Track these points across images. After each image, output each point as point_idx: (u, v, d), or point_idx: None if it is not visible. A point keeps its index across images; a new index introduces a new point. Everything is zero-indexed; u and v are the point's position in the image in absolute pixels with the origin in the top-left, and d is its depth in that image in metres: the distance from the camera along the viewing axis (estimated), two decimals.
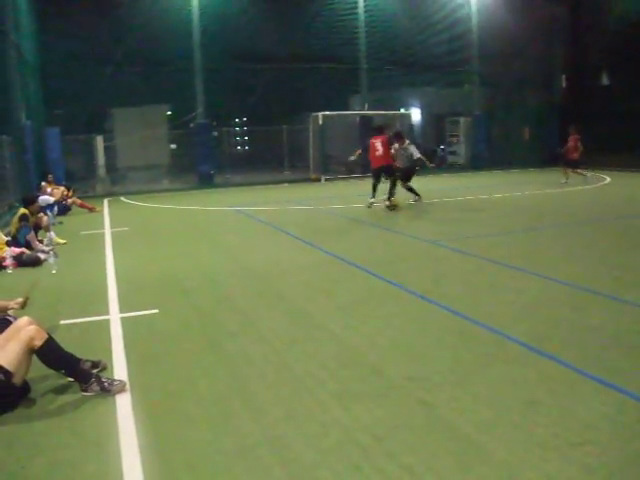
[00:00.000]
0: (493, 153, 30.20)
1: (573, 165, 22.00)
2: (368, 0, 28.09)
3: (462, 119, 31.24)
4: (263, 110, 31.16)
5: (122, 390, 5.06)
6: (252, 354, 5.88)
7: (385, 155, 16.43)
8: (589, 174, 22.14)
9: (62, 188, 18.34)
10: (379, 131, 17.11)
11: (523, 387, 5.00)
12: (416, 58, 30.28)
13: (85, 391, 5.04)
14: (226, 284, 8.77)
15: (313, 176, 25.94)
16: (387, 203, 16.14)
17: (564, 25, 32.96)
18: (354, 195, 19.87)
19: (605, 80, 33.99)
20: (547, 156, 29.72)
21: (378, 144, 16.42)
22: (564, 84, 34.07)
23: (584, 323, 6.55)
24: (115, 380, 5.15)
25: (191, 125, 26.00)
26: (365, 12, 28.04)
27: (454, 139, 31.72)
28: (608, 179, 23.14)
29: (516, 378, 5.17)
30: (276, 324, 6.78)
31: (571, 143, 21.85)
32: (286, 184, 24.95)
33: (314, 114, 26.33)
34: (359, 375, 5.30)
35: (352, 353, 5.85)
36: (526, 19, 29.58)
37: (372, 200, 16.52)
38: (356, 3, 27.92)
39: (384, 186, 16.50)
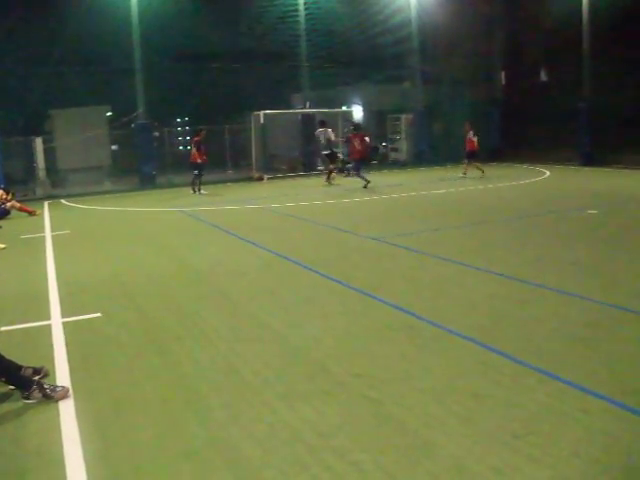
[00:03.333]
0: (434, 149, 30.49)
1: (471, 157, 23.28)
2: None
3: (403, 116, 31.46)
4: (205, 110, 30.90)
5: (65, 396, 4.97)
6: (197, 356, 5.85)
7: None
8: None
9: (0, 192, 17.89)
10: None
11: (468, 380, 5.08)
12: (357, 55, 30.41)
13: (27, 398, 4.94)
14: (170, 286, 8.68)
15: (256, 175, 25.83)
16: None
17: (503, 22, 33.51)
18: (296, 193, 19.89)
19: (543, 76, 34.67)
20: (487, 152, 30.18)
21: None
22: (503, 81, 34.64)
23: (527, 315, 6.69)
24: (58, 386, 5.06)
25: (132, 126, 25.62)
26: (305, 10, 28.01)
27: (396, 136, 31.94)
28: (547, 173, 23.61)
29: (461, 372, 5.25)
30: (221, 325, 6.75)
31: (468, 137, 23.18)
32: (229, 183, 24.80)
33: (255, 113, 26.22)
34: (305, 374, 5.32)
35: (298, 352, 5.86)
36: (465, 16, 29.99)
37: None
38: (297, 1, 27.89)
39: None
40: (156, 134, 27.72)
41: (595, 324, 6.38)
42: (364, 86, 34.19)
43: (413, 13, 30.07)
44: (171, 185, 24.68)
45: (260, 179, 25.44)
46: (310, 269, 9.15)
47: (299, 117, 28.66)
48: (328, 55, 28.86)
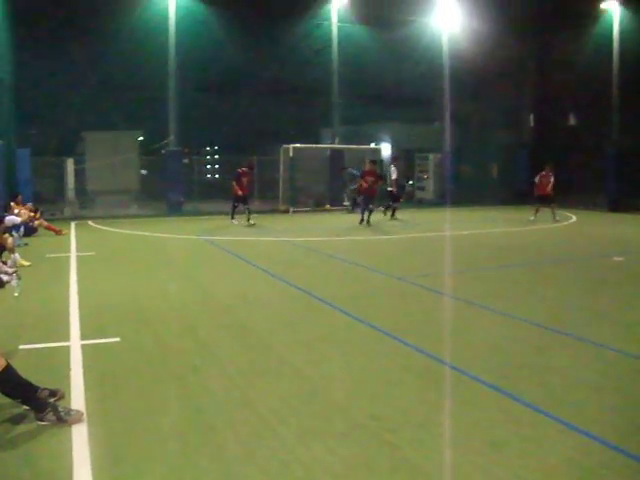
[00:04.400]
0: (462, 189, 30.47)
1: (547, 201, 22.24)
2: (342, 35, 28.37)
3: (431, 155, 31.56)
4: (235, 140, 31.25)
5: (79, 420, 4.94)
6: (214, 388, 5.79)
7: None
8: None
9: (29, 209, 18.07)
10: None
11: (487, 428, 4.97)
12: (387, 93, 30.62)
13: (41, 420, 4.92)
14: (190, 314, 8.66)
15: (282, 207, 25.95)
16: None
17: (533, 65, 33.66)
18: (321, 228, 19.91)
19: (572, 120, 34.70)
20: (515, 194, 30.12)
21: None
22: (532, 123, 34.66)
23: (549, 363, 6.57)
24: (72, 410, 5.04)
25: (163, 152, 25.90)
26: (339, 46, 28.32)
27: (423, 175, 32.01)
28: (574, 218, 23.46)
29: (480, 418, 5.15)
30: (239, 358, 6.70)
31: (544, 180, 22.10)
32: (255, 214, 24.90)
33: (285, 146, 26.43)
34: (322, 413, 5.24)
35: (316, 390, 5.79)
36: (496, 58, 30.14)
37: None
38: (330, 37, 28.21)
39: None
40: (185, 161, 28.00)
41: (616, 375, 6.26)
42: (393, 124, 34.40)
43: (445, 53, 30.27)
44: (198, 213, 24.86)
45: (286, 212, 25.55)
46: (332, 305, 9.09)
47: (327, 152, 28.82)
48: (359, 91, 29.08)
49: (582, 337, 7.48)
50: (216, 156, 39.46)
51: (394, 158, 21.81)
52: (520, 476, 4.19)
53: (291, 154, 26.27)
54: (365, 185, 20.54)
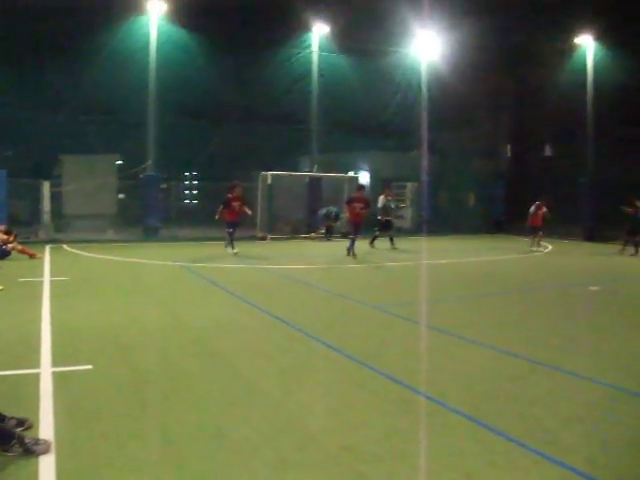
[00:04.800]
0: (439, 218, 30.63)
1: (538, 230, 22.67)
2: (322, 64, 28.59)
3: (409, 184, 31.74)
4: (214, 166, 31.21)
5: (47, 451, 4.83)
6: (187, 417, 5.70)
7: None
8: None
9: (3, 231, 17.88)
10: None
11: (462, 459, 4.95)
12: (366, 122, 30.83)
13: (7, 451, 4.79)
14: (164, 342, 8.55)
15: (259, 234, 25.91)
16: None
17: (510, 97, 34.12)
18: (298, 255, 19.88)
19: (548, 151, 35.18)
20: (491, 223, 30.35)
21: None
22: (509, 154, 35.05)
23: (524, 393, 6.57)
24: (40, 440, 4.93)
25: (141, 176, 25.80)
26: (318, 75, 28.52)
27: (401, 203, 32.15)
28: (550, 247, 23.64)
29: (455, 449, 5.12)
30: (213, 386, 6.62)
31: (540, 210, 22.52)
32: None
33: (263, 173, 26.46)
34: (295, 443, 5.18)
35: (290, 419, 5.73)
36: (474, 90, 30.54)
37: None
38: (310, 66, 28.40)
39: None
40: (163, 186, 27.91)
41: (591, 404, 6.28)
42: (372, 153, 34.60)
43: (423, 84, 30.59)
44: (175, 239, 24.74)
45: (263, 239, 25.50)
46: (307, 334, 9.04)
47: (306, 180, 28.87)
48: (338, 120, 29.26)
49: (558, 366, 7.50)
50: (194, 182, 39.45)
51: (385, 187, 21.38)
52: None
53: (269, 181, 26.31)
54: (353, 212, 19.60)
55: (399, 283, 15.16)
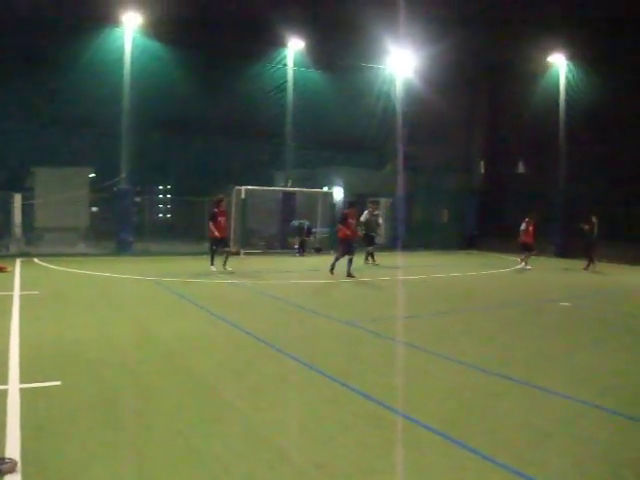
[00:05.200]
0: (413, 234, 30.78)
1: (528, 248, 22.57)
2: (297, 79, 28.69)
3: (383, 200, 31.86)
4: (188, 180, 31.16)
5: (12, 470, 4.73)
6: (156, 435, 5.64)
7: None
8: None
9: None
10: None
11: (434, 475, 4.96)
12: (340, 138, 30.95)
13: None
14: (134, 358, 8.46)
15: (233, 249, 25.81)
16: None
17: (484, 114, 34.48)
18: (272, 270, 19.83)
19: (521, 168, 35.58)
20: (465, 239, 30.54)
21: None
22: (482, 170, 35.35)
23: (495, 409, 6.60)
24: (6, 459, 4.84)
25: (114, 189, 25.63)
26: (293, 91, 28.61)
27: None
28: (523, 263, 23.77)
29: (426, 466, 5.13)
30: (183, 403, 6.56)
31: (531, 227, 22.43)
32: (205, 256, 24.68)
33: (237, 187, 26.41)
34: (266, 460, 5.14)
35: (261, 436, 5.68)
36: (448, 106, 30.81)
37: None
38: (285, 82, 28.48)
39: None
40: (137, 200, 27.77)
41: (562, 420, 6.32)
42: (346, 168, 34.71)
43: (397, 100, 30.79)
44: (148, 253, 24.57)
45: (237, 254, 25.40)
46: (279, 350, 9.00)
47: (280, 195, 28.87)
48: (313, 136, 29.33)
49: (529, 382, 7.56)
50: (168, 195, 39.27)
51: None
52: None
53: (243, 196, 26.26)
54: (347, 231, 18.34)
55: (372, 299, 15.17)
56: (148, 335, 10.06)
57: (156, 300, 13.99)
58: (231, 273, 18.40)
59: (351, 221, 18.58)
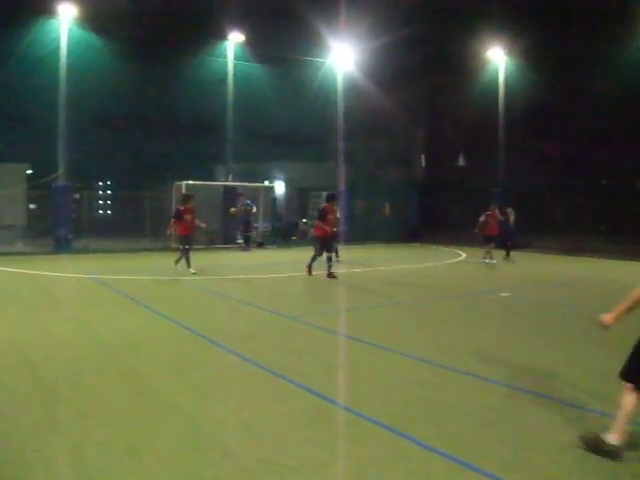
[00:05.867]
0: (355, 227, 30.92)
1: (491, 241, 22.19)
2: (238, 73, 28.51)
3: (325, 193, 31.90)
4: (128, 175, 30.72)
5: None
6: (97, 436, 5.54)
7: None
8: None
9: None
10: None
11: (379, 468, 4.99)
12: (282, 132, 30.92)
13: None
14: (74, 358, 8.30)
15: (173, 245, 25.53)
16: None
17: (425, 108, 34.85)
18: (215, 266, 19.72)
19: (461, 161, 36.10)
20: (407, 232, 30.83)
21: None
22: (424, 164, 35.73)
23: (439, 400, 6.67)
24: None
25: (52, 186, 25.10)
26: (234, 85, 28.42)
27: (317, 213, 32.31)
28: (463, 255, 24.14)
29: (371, 458, 5.16)
30: (125, 402, 6.46)
31: (491, 219, 22.10)
32: (146, 252, 24.41)
33: (177, 182, 26.12)
34: (209, 458, 5.11)
35: (203, 434, 5.65)
36: (389, 100, 31.05)
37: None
38: (226, 75, 28.28)
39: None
40: (76, 196, 27.26)
41: (503, 408, 6.44)
42: (287, 162, 34.70)
43: (339, 93, 30.87)
44: (87, 250, 24.13)
45: (178, 250, 25.12)
46: (222, 346, 8.95)
47: (221, 189, 28.67)
48: (254, 129, 29.22)
49: (470, 372, 7.68)
50: (108, 191, 38.70)
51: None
52: None
53: (184, 191, 25.96)
54: (326, 227, 17.23)
55: (316, 293, 15.20)
56: (89, 334, 9.88)
57: (97, 298, 13.75)
58: (177, 271, 17.87)
59: (330, 217, 17.43)
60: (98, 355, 8.46)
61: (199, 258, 22.40)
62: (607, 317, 5.36)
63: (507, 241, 22.98)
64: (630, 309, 5.25)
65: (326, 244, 17.33)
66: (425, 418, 6.12)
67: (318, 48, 30.12)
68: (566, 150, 30.22)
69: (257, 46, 28.72)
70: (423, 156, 35.75)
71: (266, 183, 31.66)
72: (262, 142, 31.45)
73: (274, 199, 29.40)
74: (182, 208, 17.86)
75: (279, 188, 34.00)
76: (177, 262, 17.73)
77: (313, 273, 17.41)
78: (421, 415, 6.21)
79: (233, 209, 26.44)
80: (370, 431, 5.80)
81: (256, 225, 27.62)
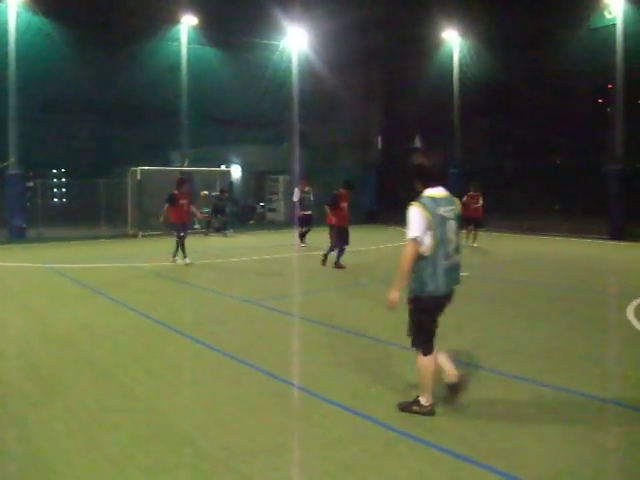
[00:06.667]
0: (313, 210, 30.87)
1: (474, 223, 20.87)
2: (191, 57, 28.14)
3: (282, 177, 31.86)
4: (83, 162, 30.23)
5: None
6: (56, 427, 5.50)
7: None
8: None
9: None
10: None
11: (339, 449, 5.04)
12: (237, 116, 30.71)
13: None
14: (31, 349, 8.18)
15: (130, 232, 25.29)
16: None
17: (380, 90, 34.91)
18: (169, 252, 19.54)
19: (417, 142, 36.29)
20: (364, 214, 30.93)
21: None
22: (380, 145, 35.82)
23: (400, 381, 6.74)
24: None
25: (4, 175, 24.57)
26: (188, 69, 28.06)
27: (273, 196, 32.24)
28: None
29: (332, 440, 5.21)
30: (84, 393, 6.41)
31: (472, 200, 20.67)
32: (103, 240, 24.11)
33: (132, 169, 25.80)
34: (171, 446, 5.11)
35: (164, 422, 5.63)
36: (346, 83, 31.05)
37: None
38: (179, 58, 27.90)
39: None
40: (30, 184, 26.76)
41: (463, 386, 6.54)
42: (244, 146, 34.48)
43: (294, 76, 30.74)
44: (42, 239, 23.74)
45: (135, 236, 24.92)
46: (181, 333, 8.91)
47: (177, 175, 28.32)
48: (209, 114, 28.95)
49: None
50: (63, 179, 38.02)
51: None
52: None
53: (139, 177, 25.68)
54: (341, 213, 16.00)
55: (276, 276, 15.16)
56: (45, 324, 9.75)
57: (52, 287, 13.55)
58: (189, 264, 16.52)
59: (343, 205, 16.06)
60: (55, 345, 8.36)
61: (156, 244, 22.26)
62: (392, 296, 5.58)
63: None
64: (404, 277, 5.51)
65: (342, 234, 15.92)
66: (384, 399, 6.17)
67: (273, 31, 29.87)
68: (521, 131, 30.60)
69: (211, 29, 28.36)
70: (379, 138, 35.81)
71: (222, 167, 31.42)
72: (218, 126, 31.20)
73: (231, 183, 29.19)
74: (177, 192, 16.90)
75: (235, 172, 33.76)
76: (174, 255, 16.78)
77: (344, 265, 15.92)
78: (382, 395, 6.28)
79: (205, 192, 26.35)
80: (330, 412, 5.85)
81: (227, 210, 27.35)
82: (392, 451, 5.00)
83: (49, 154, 29.62)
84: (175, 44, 27.87)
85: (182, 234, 16.57)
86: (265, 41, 29.99)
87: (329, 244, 16.22)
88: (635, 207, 23.60)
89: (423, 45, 31.05)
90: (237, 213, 30.13)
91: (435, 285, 5.48)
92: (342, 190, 16.40)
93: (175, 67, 27.75)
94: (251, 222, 30.74)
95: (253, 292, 12.41)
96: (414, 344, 5.72)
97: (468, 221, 20.34)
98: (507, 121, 31.08)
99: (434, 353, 5.71)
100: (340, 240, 15.89)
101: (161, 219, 17.13)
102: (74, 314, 10.46)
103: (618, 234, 23.15)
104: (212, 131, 30.24)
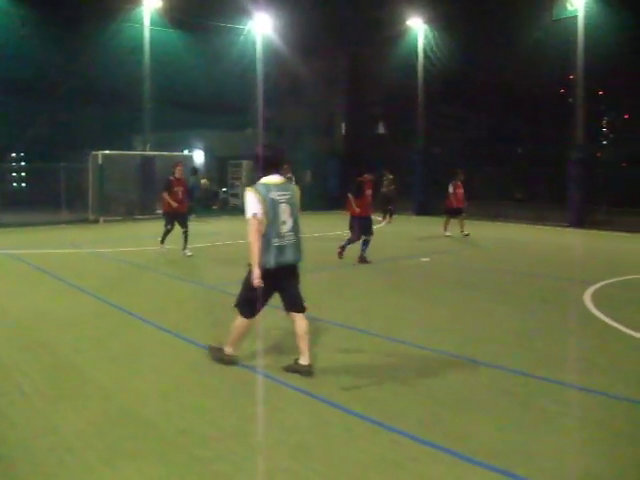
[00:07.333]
0: None
1: (459, 213, 20.23)
2: (154, 39, 27.76)
3: (245, 162, 31.69)
4: (43, 146, 29.74)
5: None
6: (13, 415, 5.41)
7: None
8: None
9: None
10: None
11: (299, 433, 5.07)
12: (200, 100, 30.46)
13: None
14: None
15: (91, 217, 24.99)
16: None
17: (345, 76, 34.90)
18: (133, 237, 19.39)
19: (381, 129, 36.41)
20: (327, 200, 30.98)
21: None
22: (344, 131, 35.83)
23: (356, 364, 6.81)
24: None
25: None
26: (151, 52, 27.68)
27: (236, 182, 32.08)
28: (383, 222, 24.38)
29: (291, 425, 5.23)
30: (41, 380, 6.32)
31: (459, 190, 20.10)
32: (63, 225, 23.77)
33: (94, 153, 25.43)
34: (130, 432, 5.07)
35: (124, 408, 5.58)
36: (309, 68, 30.97)
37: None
38: (142, 41, 27.51)
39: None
40: None
41: (420, 369, 6.69)
42: (207, 130, 34.23)
43: (258, 61, 30.56)
44: (0, 225, 23.33)
45: (96, 221, 24.64)
46: (141, 319, 8.84)
47: (139, 159, 28.03)
48: (172, 97, 28.66)
49: (389, 337, 7.88)
50: (22, 163, 37.41)
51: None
52: (331, 477, 4.33)
53: (100, 161, 25.33)
54: (365, 202, 14.23)
55: (237, 261, 15.04)
56: (2, 310, 9.58)
57: (9, 273, 13.32)
58: (190, 256, 15.49)
59: (368, 192, 14.23)
60: (11, 331, 8.23)
61: (118, 230, 22.06)
62: (255, 274, 6.27)
63: (385, 205, 24.56)
64: (256, 251, 6.32)
65: (364, 226, 14.22)
66: (340, 382, 6.21)
67: (237, 14, 29.63)
68: (484, 119, 30.88)
69: (174, 12, 28.01)
70: (343, 124, 35.81)
71: (185, 152, 31.17)
72: (181, 110, 30.90)
73: (194, 168, 28.92)
74: (172, 178, 15.38)
75: (198, 157, 33.51)
76: (184, 247, 15.53)
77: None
78: (340, 380, 6.30)
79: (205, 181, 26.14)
80: (289, 396, 5.88)
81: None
82: (352, 435, 5.03)
83: (7, 138, 29.13)
84: (137, 26, 27.44)
85: (169, 226, 15.40)
86: (229, 25, 29.73)
87: (348, 235, 14.71)
88: (594, 195, 24.04)
89: (388, 32, 31.06)
90: (200, 199, 29.93)
91: (266, 259, 6.27)
92: (367, 176, 14.49)
93: (137, 50, 27.33)
94: (214, 207, 30.57)
95: (214, 278, 12.41)
96: (236, 304, 6.70)
97: (459, 211, 20.06)
98: (470, 109, 31.32)
99: (251, 319, 6.63)
100: (365, 231, 14.23)
101: (164, 209, 15.70)
102: (31, 300, 10.30)
103: (577, 222, 23.53)
104: (175, 115, 29.93)
